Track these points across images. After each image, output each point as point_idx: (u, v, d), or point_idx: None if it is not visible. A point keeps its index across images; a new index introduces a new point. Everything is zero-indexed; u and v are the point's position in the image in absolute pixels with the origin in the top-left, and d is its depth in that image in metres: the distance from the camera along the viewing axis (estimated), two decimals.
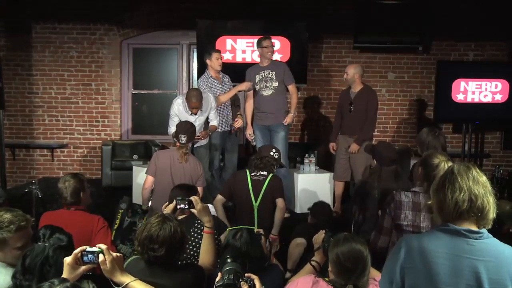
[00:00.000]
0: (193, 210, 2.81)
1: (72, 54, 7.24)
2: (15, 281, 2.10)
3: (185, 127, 4.33)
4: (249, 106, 5.61)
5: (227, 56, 6.52)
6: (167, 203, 2.97)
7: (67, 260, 2.01)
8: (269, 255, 3.12)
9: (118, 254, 2.13)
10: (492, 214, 1.76)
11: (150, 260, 2.32)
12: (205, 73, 5.55)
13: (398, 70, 7.19)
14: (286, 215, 5.05)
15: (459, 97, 6.53)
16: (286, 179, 5.18)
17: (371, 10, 6.66)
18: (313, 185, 5.63)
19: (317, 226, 3.74)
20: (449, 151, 4.69)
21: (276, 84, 5.40)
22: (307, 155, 5.84)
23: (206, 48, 5.89)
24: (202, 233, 2.79)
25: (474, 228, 1.74)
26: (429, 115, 7.10)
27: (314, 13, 6.92)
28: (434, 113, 6.71)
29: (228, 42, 6.65)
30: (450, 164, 2.57)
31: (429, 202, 1.89)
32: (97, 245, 2.08)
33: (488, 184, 1.78)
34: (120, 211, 3.59)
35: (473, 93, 6.55)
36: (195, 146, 5.11)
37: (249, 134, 5.65)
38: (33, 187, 4.64)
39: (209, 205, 3.10)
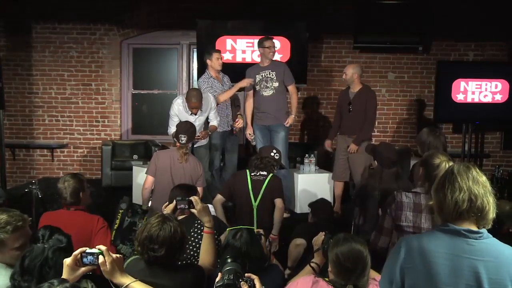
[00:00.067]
0: (193, 210, 2.81)
1: (72, 54, 7.24)
2: (13, 282, 2.09)
3: (185, 127, 4.34)
4: (249, 105, 5.61)
5: (227, 56, 6.52)
6: (167, 203, 2.97)
7: (67, 261, 2.00)
8: (269, 255, 3.12)
9: (118, 255, 2.12)
10: (492, 214, 1.76)
11: (150, 260, 2.32)
12: (205, 73, 5.55)
13: (398, 70, 7.19)
14: (286, 215, 5.05)
15: (459, 97, 6.53)
16: (286, 179, 5.18)
17: (371, 10, 6.66)
18: (313, 185, 5.63)
19: (318, 225, 3.74)
20: (449, 151, 4.68)
21: (276, 84, 5.40)
22: (307, 155, 5.84)
23: (206, 48, 5.89)
24: (202, 233, 2.79)
25: (474, 228, 1.74)
26: (429, 115, 7.10)
27: (314, 13, 6.92)
28: (434, 113, 6.71)
29: (228, 42, 6.65)
30: (451, 164, 2.56)
31: (430, 203, 1.89)
32: (96, 247, 2.07)
33: (488, 184, 1.78)
34: (120, 211, 3.59)
35: (473, 93, 6.55)
36: (195, 146, 5.11)
37: (249, 134, 5.65)
38: (33, 187, 4.63)
39: (209, 205, 3.10)
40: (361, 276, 2.18)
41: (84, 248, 2.04)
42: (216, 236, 2.94)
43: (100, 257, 2.04)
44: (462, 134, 6.74)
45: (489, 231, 1.78)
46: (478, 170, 1.81)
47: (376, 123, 6.60)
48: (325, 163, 6.24)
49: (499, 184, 5.83)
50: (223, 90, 5.50)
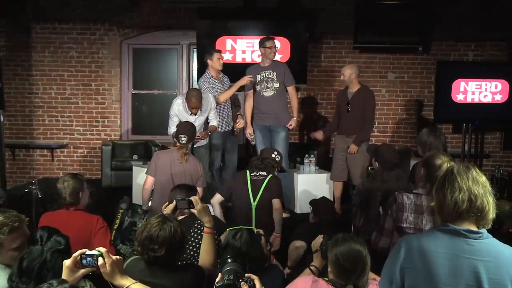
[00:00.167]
0: (193, 210, 2.81)
1: (72, 54, 7.24)
2: (11, 283, 2.08)
3: (185, 127, 4.34)
4: (249, 105, 5.61)
5: (227, 57, 6.51)
6: (167, 203, 2.97)
7: (67, 263, 2.00)
8: (269, 255, 3.12)
9: (117, 257, 2.11)
10: (491, 214, 1.76)
11: (150, 260, 2.31)
12: (206, 73, 5.54)
13: (398, 70, 7.19)
14: (286, 215, 5.06)
15: (459, 97, 6.53)
16: (286, 179, 5.18)
17: (371, 10, 6.66)
18: (313, 185, 5.63)
19: (319, 225, 3.73)
20: (449, 151, 4.67)
21: (277, 85, 5.39)
22: (307, 155, 5.84)
23: (206, 48, 5.89)
24: (202, 233, 2.79)
25: (474, 228, 1.74)
26: (429, 115, 7.10)
27: (314, 13, 6.92)
28: (434, 113, 6.70)
29: (228, 42, 6.65)
30: (452, 164, 2.55)
31: (432, 204, 1.88)
32: (96, 248, 2.06)
33: (487, 184, 1.78)
34: (120, 211, 3.60)
35: (473, 93, 6.54)
36: (195, 146, 5.11)
37: (249, 134, 5.65)
38: (33, 187, 4.63)
39: (209, 205, 3.10)
40: (361, 276, 2.17)
41: (83, 250, 2.03)
42: (216, 236, 2.94)
43: (100, 259, 2.02)
44: (462, 134, 6.73)
45: (489, 231, 1.78)
46: (478, 170, 1.81)
47: (376, 123, 6.60)
48: (325, 163, 6.24)
49: (499, 184, 5.83)
50: (224, 90, 5.50)
